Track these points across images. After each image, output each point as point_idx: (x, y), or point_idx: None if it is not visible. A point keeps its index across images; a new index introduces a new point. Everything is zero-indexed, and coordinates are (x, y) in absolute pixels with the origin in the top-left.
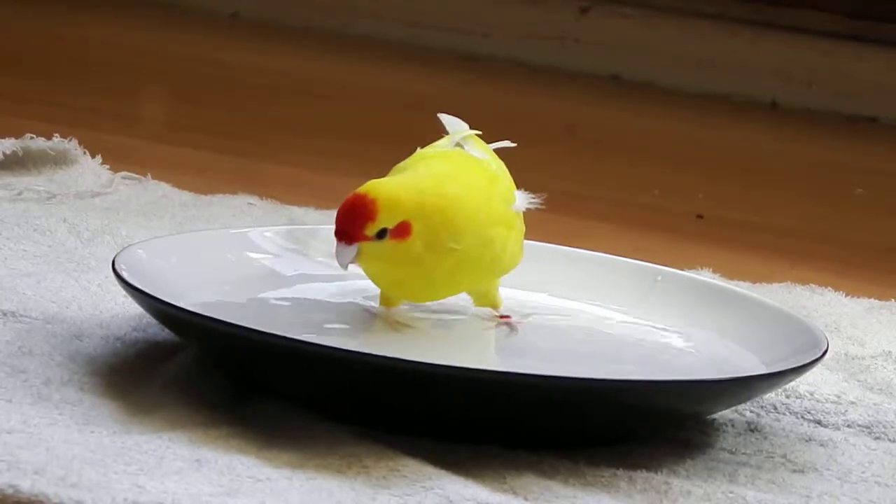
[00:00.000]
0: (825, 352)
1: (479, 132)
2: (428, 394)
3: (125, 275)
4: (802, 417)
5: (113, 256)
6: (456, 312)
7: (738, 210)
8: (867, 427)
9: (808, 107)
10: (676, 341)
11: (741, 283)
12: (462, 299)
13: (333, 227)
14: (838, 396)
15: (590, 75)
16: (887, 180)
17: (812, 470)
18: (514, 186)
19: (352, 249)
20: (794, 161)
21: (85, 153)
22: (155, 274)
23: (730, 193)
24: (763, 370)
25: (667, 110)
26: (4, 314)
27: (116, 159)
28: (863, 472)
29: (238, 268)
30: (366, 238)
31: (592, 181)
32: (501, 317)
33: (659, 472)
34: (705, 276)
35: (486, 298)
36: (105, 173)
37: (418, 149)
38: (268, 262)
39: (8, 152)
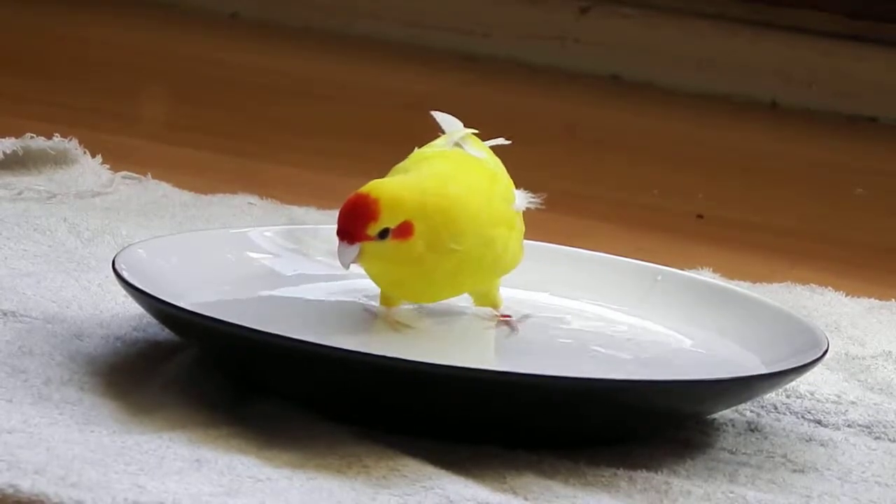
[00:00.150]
0: (825, 352)
1: (476, 131)
2: (428, 394)
3: (125, 274)
4: (803, 417)
5: (113, 256)
6: (456, 312)
7: (738, 210)
8: (867, 427)
9: (808, 107)
10: (676, 341)
11: (741, 283)
12: (462, 299)
13: (335, 226)
14: (839, 396)
15: (590, 75)
16: (887, 180)
17: (812, 470)
18: (513, 185)
19: (354, 249)
20: (794, 161)
21: (85, 153)
22: (155, 274)
23: (730, 193)
24: (763, 370)
25: (667, 110)
26: (5, 314)
27: (117, 159)
28: (863, 472)
29: (238, 267)
30: (368, 238)
31: (592, 181)
32: (502, 316)
33: (659, 472)
34: (705, 276)
35: (486, 298)
36: (105, 173)
37: (416, 149)
38: (268, 262)
39: (8, 152)
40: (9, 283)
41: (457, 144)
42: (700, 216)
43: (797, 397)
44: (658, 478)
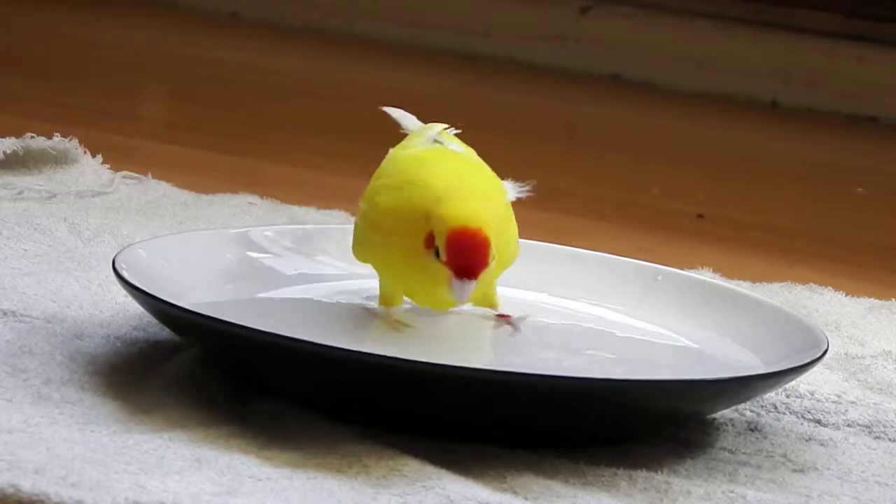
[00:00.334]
0: (825, 351)
1: (446, 125)
2: (428, 393)
3: (126, 274)
4: (802, 417)
5: (113, 256)
6: (455, 312)
7: (738, 210)
8: (867, 426)
9: (808, 107)
10: (676, 341)
11: (741, 282)
12: None
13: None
14: (838, 396)
15: (590, 75)
16: (887, 180)
17: (812, 469)
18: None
19: (474, 283)
20: (794, 161)
21: (85, 153)
22: (155, 273)
23: (730, 193)
24: (763, 370)
25: (667, 110)
26: (5, 313)
27: (117, 159)
28: (863, 472)
29: (238, 267)
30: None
31: (592, 181)
32: (501, 316)
33: (659, 472)
34: (705, 276)
35: (485, 299)
36: (105, 173)
37: (391, 150)
38: (268, 262)
39: (8, 151)
40: (9, 282)
41: (436, 141)
42: (700, 216)
43: (797, 397)
44: (658, 477)
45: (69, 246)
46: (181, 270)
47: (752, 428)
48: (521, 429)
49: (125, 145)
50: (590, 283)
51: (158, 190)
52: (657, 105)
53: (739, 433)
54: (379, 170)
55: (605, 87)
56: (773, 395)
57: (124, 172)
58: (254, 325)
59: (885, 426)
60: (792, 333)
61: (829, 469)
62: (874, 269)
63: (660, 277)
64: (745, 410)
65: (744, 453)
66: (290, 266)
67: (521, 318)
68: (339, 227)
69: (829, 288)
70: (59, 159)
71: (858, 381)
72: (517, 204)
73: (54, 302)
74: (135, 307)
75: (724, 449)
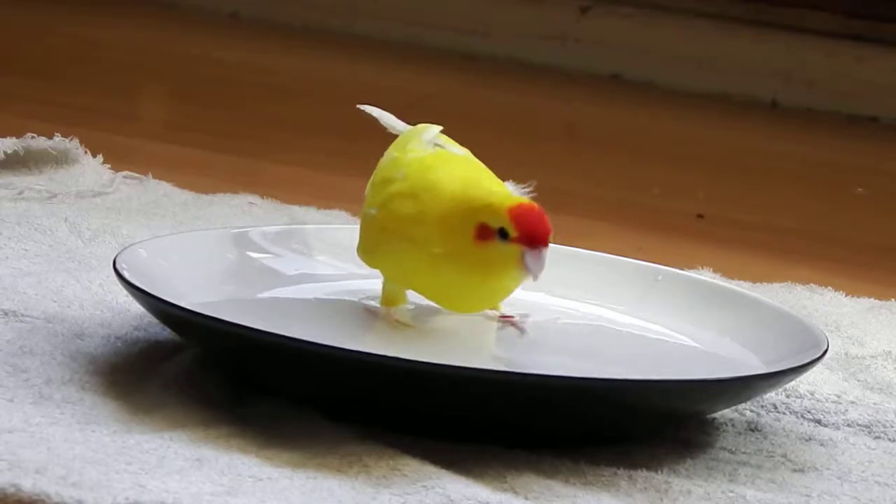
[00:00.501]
0: (825, 351)
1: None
2: (428, 393)
3: (126, 274)
4: (802, 417)
5: (114, 256)
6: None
7: (738, 210)
8: (867, 426)
9: (808, 107)
10: (676, 341)
11: (741, 282)
12: None
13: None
14: (838, 396)
15: (590, 75)
16: (887, 180)
17: (812, 469)
18: None
19: (546, 253)
20: (794, 161)
21: (86, 152)
22: (156, 273)
23: (730, 193)
24: (763, 370)
25: (667, 110)
26: (6, 313)
27: (117, 159)
28: (863, 472)
29: (239, 267)
30: None
31: (592, 181)
32: (503, 317)
33: (659, 472)
34: (705, 276)
35: None
36: (106, 173)
37: (388, 151)
38: (268, 262)
39: (9, 151)
40: (10, 282)
41: (437, 145)
42: (700, 216)
43: (797, 397)
44: (658, 477)
45: (70, 246)
46: (182, 270)
47: (752, 428)
48: (520, 429)
49: (126, 145)
50: (590, 283)
51: (159, 190)
52: (657, 105)
53: (739, 433)
54: (380, 173)
55: (605, 87)
56: (773, 395)
57: (125, 172)
58: (254, 325)
59: (884, 426)
60: (792, 333)
61: (829, 469)
62: (874, 269)
63: (660, 277)
64: (745, 410)
65: (744, 453)
66: (290, 266)
67: (522, 319)
68: (339, 227)
69: (829, 288)
70: (60, 159)
71: (858, 381)
72: None
73: (55, 302)
74: (135, 307)
75: (724, 449)
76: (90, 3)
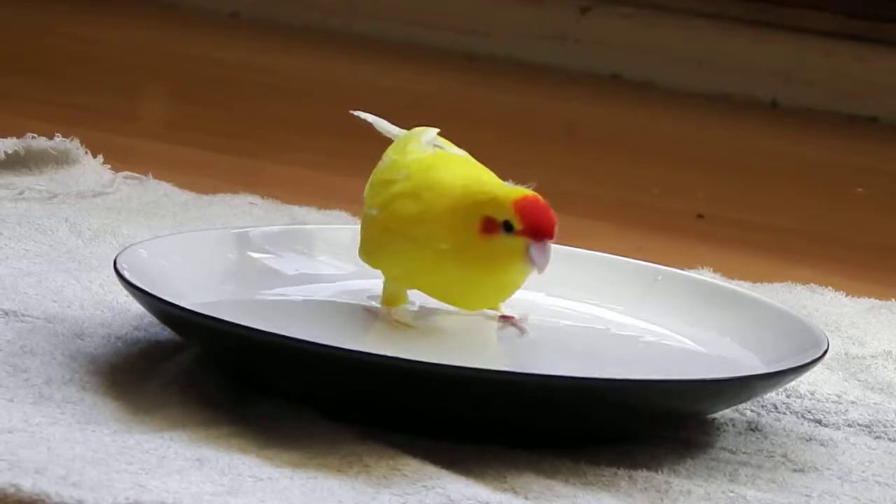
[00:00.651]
0: (825, 351)
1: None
2: (428, 393)
3: (126, 274)
4: (803, 417)
5: (114, 256)
6: (456, 312)
7: (738, 210)
8: (867, 426)
9: (808, 107)
10: (676, 341)
11: (741, 282)
12: None
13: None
14: (839, 396)
15: (590, 75)
16: (887, 180)
17: (812, 469)
18: None
19: (551, 246)
20: (794, 161)
21: (86, 153)
22: (156, 273)
23: (730, 193)
24: (763, 370)
25: (667, 110)
26: (6, 313)
27: (118, 159)
28: (863, 472)
29: (239, 267)
30: None
31: (592, 181)
32: (504, 317)
33: (659, 472)
34: (705, 276)
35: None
36: (106, 173)
37: (386, 153)
38: (269, 262)
39: (9, 152)
40: (10, 282)
41: (436, 146)
42: (700, 216)
43: (797, 397)
44: (658, 477)
45: (70, 246)
46: (182, 270)
47: (753, 428)
48: (521, 428)
49: (126, 145)
50: (590, 283)
51: (159, 190)
52: (657, 105)
53: (740, 433)
54: (379, 175)
55: (605, 87)
56: (773, 395)
57: (125, 173)
58: (254, 325)
59: (885, 426)
60: (792, 333)
61: (829, 469)
62: (874, 269)
63: (660, 277)
64: (745, 410)
65: (744, 453)
66: (290, 266)
67: (522, 319)
68: (339, 227)
69: (829, 288)
70: (60, 159)
71: (858, 381)
72: None
73: (55, 302)
74: (136, 307)
75: (724, 449)
76: (90, 3)
